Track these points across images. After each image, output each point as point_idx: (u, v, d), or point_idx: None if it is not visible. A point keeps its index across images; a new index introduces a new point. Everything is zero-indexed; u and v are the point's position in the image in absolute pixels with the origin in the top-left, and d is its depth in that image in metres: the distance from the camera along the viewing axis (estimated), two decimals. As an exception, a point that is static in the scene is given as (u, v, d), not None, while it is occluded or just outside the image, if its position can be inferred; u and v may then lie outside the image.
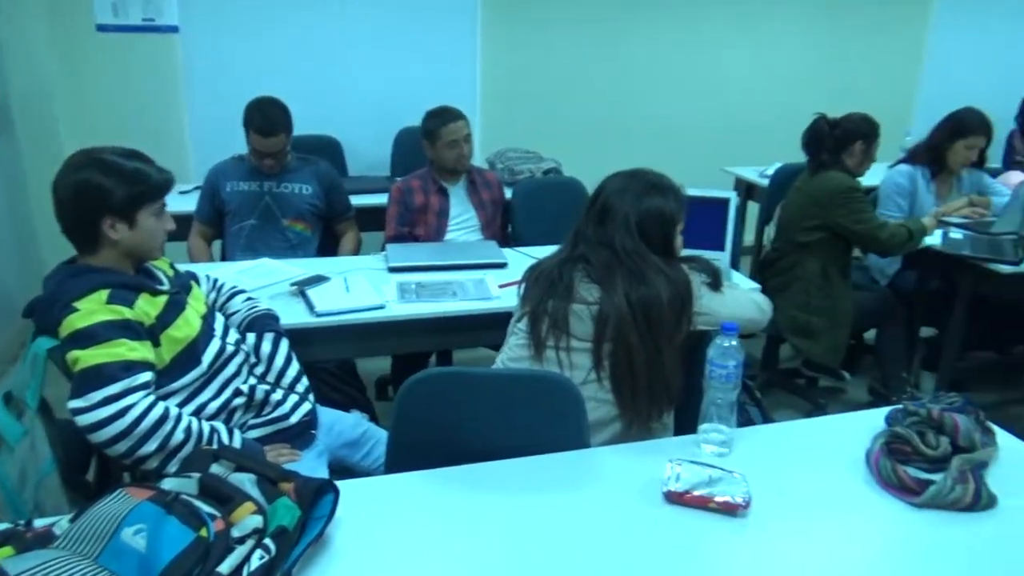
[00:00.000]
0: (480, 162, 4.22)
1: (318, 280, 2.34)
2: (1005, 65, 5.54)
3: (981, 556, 1.23)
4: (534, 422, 1.53)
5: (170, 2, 3.95)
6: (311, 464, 1.76)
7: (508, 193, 3.33)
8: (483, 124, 4.63)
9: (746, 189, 4.27)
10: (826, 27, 5.16)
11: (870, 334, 3.52)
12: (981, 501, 1.32)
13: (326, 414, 1.96)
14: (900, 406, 1.56)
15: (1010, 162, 4.31)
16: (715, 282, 1.71)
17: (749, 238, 4.34)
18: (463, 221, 3.01)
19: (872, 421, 1.59)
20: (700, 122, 5.07)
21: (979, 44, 5.48)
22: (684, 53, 4.96)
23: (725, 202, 2.59)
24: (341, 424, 1.97)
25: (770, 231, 3.52)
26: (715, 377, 1.46)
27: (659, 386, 1.60)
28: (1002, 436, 1.53)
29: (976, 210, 3.26)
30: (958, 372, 3.18)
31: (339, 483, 1.24)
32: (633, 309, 1.58)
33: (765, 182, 3.99)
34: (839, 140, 2.97)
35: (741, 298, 1.81)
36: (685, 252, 1.83)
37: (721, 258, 2.54)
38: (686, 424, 1.62)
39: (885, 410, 1.59)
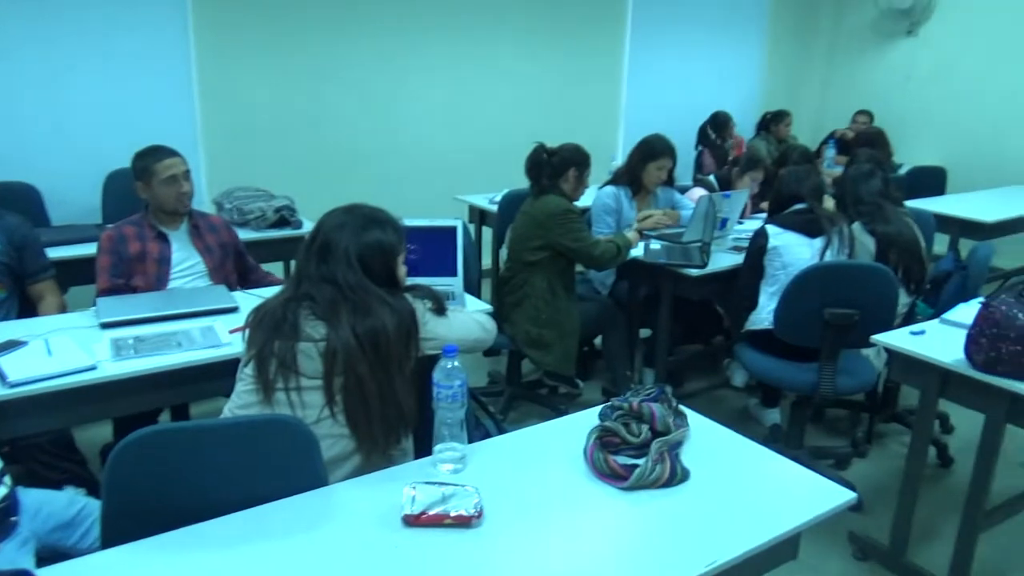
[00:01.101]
0: (206, 204, 4.00)
1: (11, 346, 2.06)
2: (691, 93, 6.43)
3: (679, 522, 1.41)
4: (267, 469, 1.48)
5: None
6: (11, 556, 1.54)
7: (242, 234, 3.21)
8: (207, 163, 4.40)
9: (480, 215, 4.50)
10: (542, 63, 5.61)
11: (598, 340, 3.87)
12: (676, 476, 1.52)
13: (31, 496, 1.73)
14: (608, 403, 1.74)
15: (696, 177, 4.99)
16: (439, 307, 1.79)
17: (489, 261, 4.57)
18: (188, 268, 2.83)
19: (590, 419, 1.75)
20: (433, 153, 5.25)
21: (666, 79, 6.31)
22: (416, 85, 5.11)
23: (453, 230, 2.70)
24: (51, 505, 1.76)
25: (504, 253, 3.74)
26: (443, 398, 1.53)
27: (393, 413, 1.63)
28: (693, 417, 1.77)
29: (663, 220, 3.55)
30: (671, 365, 3.61)
31: (42, 570, 1.11)
32: (360, 341, 1.59)
33: (495, 208, 4.24)
34: (556, 167, 3.25)
35: (466, 320, 1.90)
36: (422, 280, 1.89)
37: (454, 284, 2.65)
38: (427, 446, 1.66)
39: (599, 408, 1.77)
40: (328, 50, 4.71)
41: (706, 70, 6.50)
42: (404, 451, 1.72)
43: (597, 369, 4.01)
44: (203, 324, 2.31)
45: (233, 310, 2.46)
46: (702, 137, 5.97)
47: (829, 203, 3.38)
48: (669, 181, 3.83)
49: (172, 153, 2.76)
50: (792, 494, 1.52)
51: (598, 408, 1.78)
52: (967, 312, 2.45)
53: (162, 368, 2.05)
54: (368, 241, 1.69)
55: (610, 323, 3.52)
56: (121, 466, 1.36)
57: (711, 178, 4.31)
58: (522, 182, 3.44)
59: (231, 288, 2.75)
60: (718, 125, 5.91)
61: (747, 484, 1.56)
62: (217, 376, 2.14)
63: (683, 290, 3.26)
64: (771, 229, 2.97)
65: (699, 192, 4.01)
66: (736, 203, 3.56)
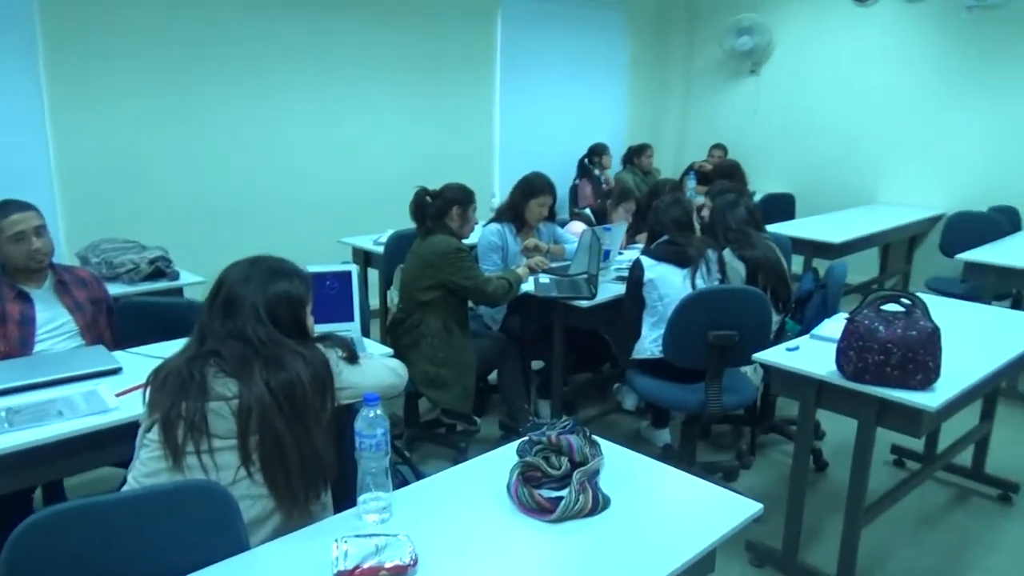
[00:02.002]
0: (67, 258, 3.75)
1: None
2: (561, 130, 6.68)
3: (608, 549, 1.46)
4: (185, 538, 1.40)
5: None
6: None
7: (114, 289, 3.03)
8: (65, 215, 4.13)
9: (364, 257, 4.46)
10: (416, 105, 5.67)
11: (492, 375, 3.91)
12: (599, 504, 1.57)
13: None
14: (526, 438, 1.78)
15: (573, 211, 5.19)
16: (351, 355, 1.77)
17: (375, 302, 4.53)
18: (56, 328, 2.63)
19: (507, 456, 1.78)
20: (312, 197, 5.18)
21: (537, 118, 6.53)
22: (292, 128, 5.04)
23: (348, 275, 2.68)
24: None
25: (393, 294, 3.73)
26: (366, 448, 1.51)
27: (313, 467, 1.59)
28: (605, 445, 1.84)
29: (544, 263, 3.59)
30: (566, 395, 3.70)
31: None
32: (275, 396, 1.55)
33: (380, 249, 4.22)
34: (439, 208, 3.29)
35: (378, 366, 1.89)
36: (318, 327, 1.85)
37: (352, 328, 2.62)
38: (347, 498, 1.63)
39: (515, 444, 1.81)
40: (198, 91, 4.56)
41: (574, 108, 6.78)
42: (324, 505, 1.68)
43: (492, 404, 4.04)
44: (85, 389, 2.16)
45: (116, 371, 2.31)
46: (581, 169, 6.22)
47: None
48: (550, 216, 3.97)
49: (21, 207, 2.58)
50: (705, 511, 1.61)
51: (513, 444, 1.82)
52: (833, 327, 2.69)
53: (44, 440, 1.90)
54: (276, 293, 1.66)
55: (504, 357, 3.57)
56: (20, 554, 1.25)
57: (587, 211, 4.49)
58: (406, 222, 3.46)
59: (109, 347, 2.58)
60: (595, 155, 6.18)
61: (663, 505, 1.64)
62: (105, 445, 2.01)
63: (574, 321, 3.37)
64: (646, 261, 3.11)
65: (579, 226, 4.18)
66: (616, 235, 3.73)
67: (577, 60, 6.72)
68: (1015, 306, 4.78)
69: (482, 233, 3.81)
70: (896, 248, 6.16)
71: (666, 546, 1.46)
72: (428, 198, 3.31)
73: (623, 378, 3.98)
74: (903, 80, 6.09)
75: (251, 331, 1.59)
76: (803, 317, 3.27)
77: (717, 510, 1.60)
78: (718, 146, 6.72)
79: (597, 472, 1.69)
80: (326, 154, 5.23)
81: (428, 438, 3.68)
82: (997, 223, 5.07)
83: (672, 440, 3.61)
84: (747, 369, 3.18)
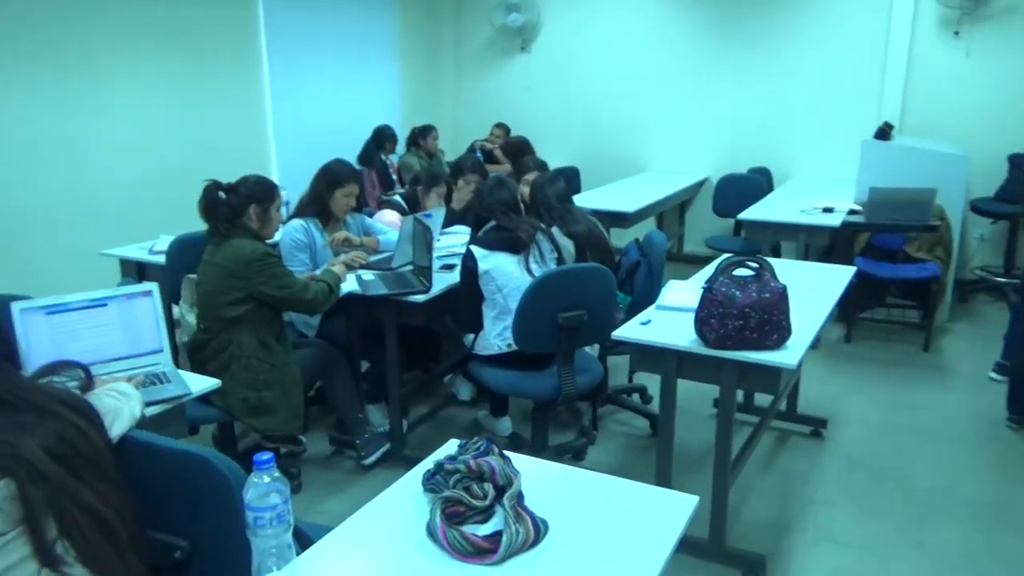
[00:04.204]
0: None
1: None
2: (338, 115, 6.27)
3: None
4: None
5: None
6: None
7: None
8: None
9: (137, 270, 3.80)
10: (182, 94, 5.00)
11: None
12: (541, 531, 1.38)
13: None
14: (432, 468, 1.53)
15: (381, 199, 4.85)
16: (89, 379, 1.53)
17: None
18: None
19: (408, 491, 1.53)
20: (67, 206, 4.36)
21: (312, 103, 6.06)
22: (34, 129, 4.17)
23: (148, 294, 2.25)
24: None
25: (183, 311, 3.20)
26: (262, 524, 1.19)
27: (136, 528, 1.27)
28: (516, 460, 1.64)
29: (362, 256, 3.34)
30: (402, 398, 3.43)
31: None
32: (57, 457, 1.20)
33: (160, 259, 3.62)
34: (235, 207, 2.84)
35: (107, 389, 1.61)
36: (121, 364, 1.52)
37: (161, 361, 2.22)
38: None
39: (416, 477, 1.55)
40: None
41: (350, 92, 6.42)
42: None
43: (313, 418, 3.66)
44: None
45: None
46: (366, 156, 5.85)
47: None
48: (357, 207, 3.65)
49: None
50: (645, 515, 1.48)
51: (415, 477, 1.57)
52: (675, 296, 2.73)
53: None
54: None
55: (331, 367, 3.22)
56: None
57: (396, 198, 4.20)
58: (183, 225, 2.98)
59: None
60: (383, 140, 5.86)
61: (599, 517, 1.48)
62: None
63: (408, 318, 3.10)
64: (478, 252, 2.91)
65: (391, 214, 3.90)
66: (436, 222, 3.51)
67: (347, 41, 6.34)
68: (775, 254, 5.31)
69: (284, 231, 3.39)
70: (669, 213, 6.60)
71: (628, 564, 1.32)
72: (222, 193, 2.85)
73: (454, 369, 3.81)
74: (664, 57, 6.49)
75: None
76: (632, 288, 3.30)
77: (656, 511, 1.49)
78: (500, 125, 6.71)
79: (522, 494, 1.50)
80: (80, 155, 4.42)
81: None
82: (757, 183, 5.60)
83: (515, 427, 3.51)
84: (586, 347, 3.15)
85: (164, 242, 3.63)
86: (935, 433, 3.53)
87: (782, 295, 2.29)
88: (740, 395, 3.45)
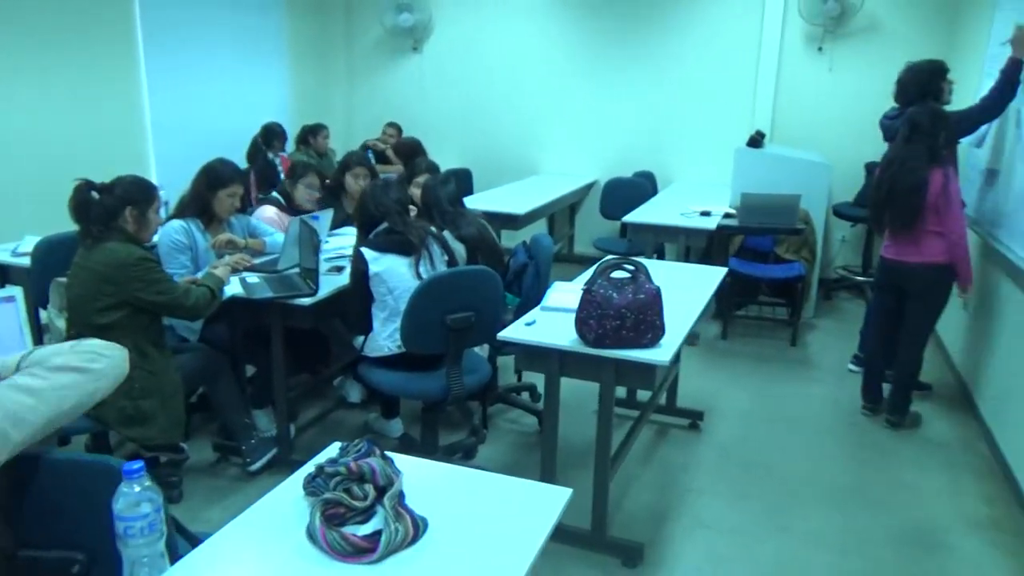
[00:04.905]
0: None
1: None
2: (222, 114, 6.05)
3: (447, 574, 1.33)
4: None
5: None
6: None
7: None
8: None
9: (0, 273, 3.57)
10: (49, 85, 4.71)
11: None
12: (420, 528, 1.42)
13: None
14: (313, 471, 1.54)
15: (257, 197, 4.72)
16: None
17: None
18: None
19: (290, 493, 1.54)
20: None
21: (193, 101, 5.84)
22: None
23: (11, 299, 2.12)
24: None
25: (50, 315, 3.03)
26: (133, 534, 1.17)
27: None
28: (401, 460, 1.67)
29: (245, 260, 3.27)
30: (290, 402, 3.38)
31: None
32: None
33: (23, 261, 3.41)
34: (109, 209, 2.73)
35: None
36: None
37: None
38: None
39: (298, 481, 1.56)
40: None
41: (235, 89, 6.23)
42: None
43: (196, 425, 3.55)
44: None
45: None
46: (253, 154, 5.66)
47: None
48: (242, 207, 3.57)
49: None
50: (519, 508, 1.54)
51: (296, 479, 1.57)
52: (559, 297, 2.83)
53: None
54: None
55: (214, 371, 3.14)
56: None
57: (274, 194, 4.08)
58: (50, 226, 2.84)
59: None
60: (271, 138, 5.69)
61: (480, 513, 1.53)
62: None
63: (294, 320, 3.06)
64: (368, 254, 2.88)
65: (269, 210, 3.82)
66: (325, 224, 3.48)
67: (231, 37, 6.16)
68: (659, 256, 5.55)
69: (162, 232, 3.26)
70: (559, 214, 6.76)
71: (503, 556, 1.38)
72: (95, 194, 2.72)
73: (344, 371, 3.78)
74: (555, 62, 6.65)
75: None
76: (520, 289, 3.39)
77: (530, 504, 1.55)
78: (392, 124, 6.67)
79: (403, 493, 1.53)
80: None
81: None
82: (642, 186, 5.82)
83: (407, 429, 3.52)
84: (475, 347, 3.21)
85: (29, 243, 3.44)
86: (800, 422, 3.80)
87: (656, 296, 2.42)
88: (623, 391, 3.63)
